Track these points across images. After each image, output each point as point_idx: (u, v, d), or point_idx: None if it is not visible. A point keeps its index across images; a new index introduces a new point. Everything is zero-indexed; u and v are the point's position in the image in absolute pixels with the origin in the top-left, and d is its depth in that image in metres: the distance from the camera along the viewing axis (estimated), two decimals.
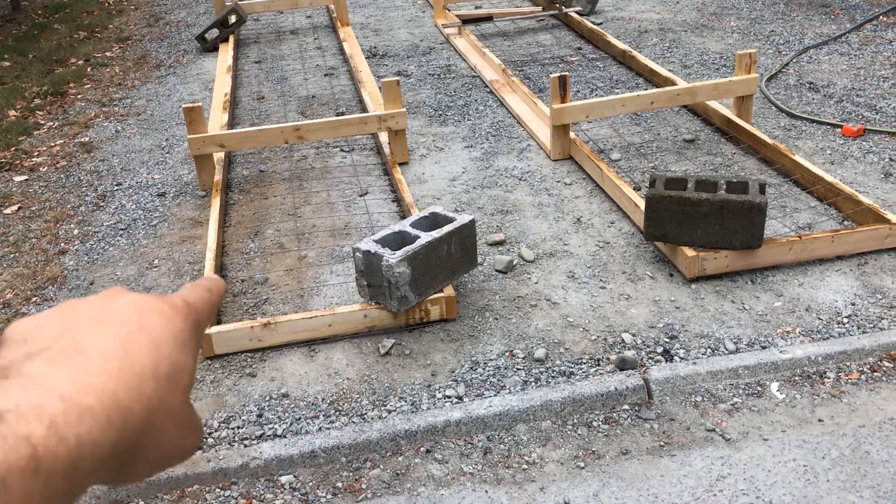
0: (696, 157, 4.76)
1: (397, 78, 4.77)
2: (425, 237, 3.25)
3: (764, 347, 3.14)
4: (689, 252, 3.54)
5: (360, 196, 4.56)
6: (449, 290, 3.38)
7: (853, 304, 3.37)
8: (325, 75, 6.78)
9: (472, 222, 3.41)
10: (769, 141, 4.57)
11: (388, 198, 4.54)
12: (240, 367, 3.18)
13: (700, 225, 3.51)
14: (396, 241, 3.31)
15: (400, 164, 4.92)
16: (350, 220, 4.32)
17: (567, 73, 4.65)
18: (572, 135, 4.86)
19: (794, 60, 6.23)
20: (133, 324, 0.50)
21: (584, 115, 4.75)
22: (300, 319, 3.23)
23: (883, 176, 4.40)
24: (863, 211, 3.84)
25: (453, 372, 3.12)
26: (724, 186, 3.56)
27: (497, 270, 3.74)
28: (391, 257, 3.12)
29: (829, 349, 3.07)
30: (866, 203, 3.83)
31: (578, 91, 5.93)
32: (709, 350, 3.15)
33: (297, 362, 3.20)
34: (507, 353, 3.20)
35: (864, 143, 4.80)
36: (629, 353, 3.14)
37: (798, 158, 4.34)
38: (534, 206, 4.35)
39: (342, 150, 5.23)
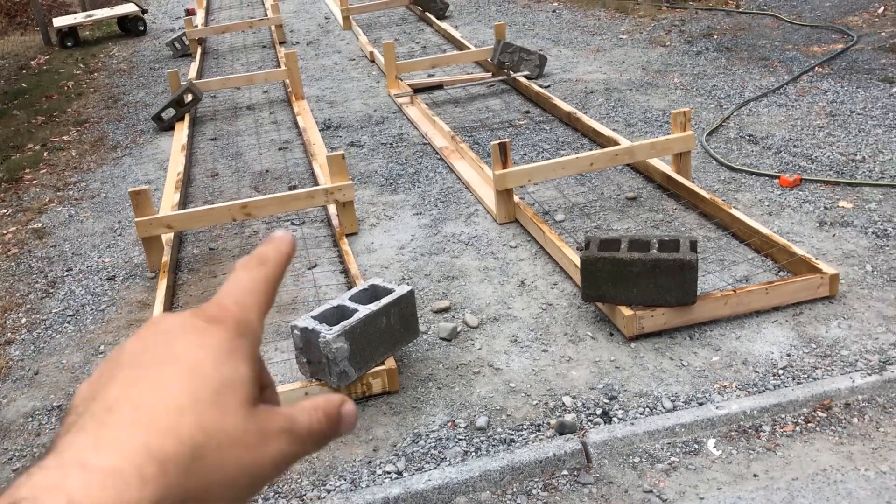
0: (639, 215, 4.86)
1: (342, 152, 4.86)
2: (363, 311, 3.28)
3: (701, 404, 3.18)
4: (627, 311, 3.60)
5: (309, 269, 4.60)
6: (390, 363, 3.40)
7: (789, 356, 3.43)
8: (280, 149, 6.88)
9: (411, 293, 3.46)
10: (707, 196, 4.68)
11: (336, 269, 4.58)
12: None
13: (635, 284, 3.57)
14: (335, 315, 3.34)
15: (349, 235, 4.97)
16: (297, 294, 4.34)
17: (507, 140, 4.76)
18: (516, 198, 4.95)
19: (734, 114, 6.41)
20: (164, 356, 0.46)
21: (526, 180, 4.85)
22: None
23: (818, 225, 4.51)
24: (797, 261, 3.93)
25: (395, 446, 3.12)
26: (657, 245, 3.63)
27: (441, 338, 3.78)
28: (328, 333, 3.14)
29: (764, 402, 3.12)
30: (800, 254, 3.92)
31: (525, 154, 6.06)
32: (647, 409, 3.18)
33: None
34: (449, 424, 3.21)
35: (800, 192, 4.93)
36: (569, 417, 3.16)
37: (734, 212, 4.44)
38: (479, 271, 4.41)
39: (293, 224, 5.28)
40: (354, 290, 3.47)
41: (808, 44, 8.11)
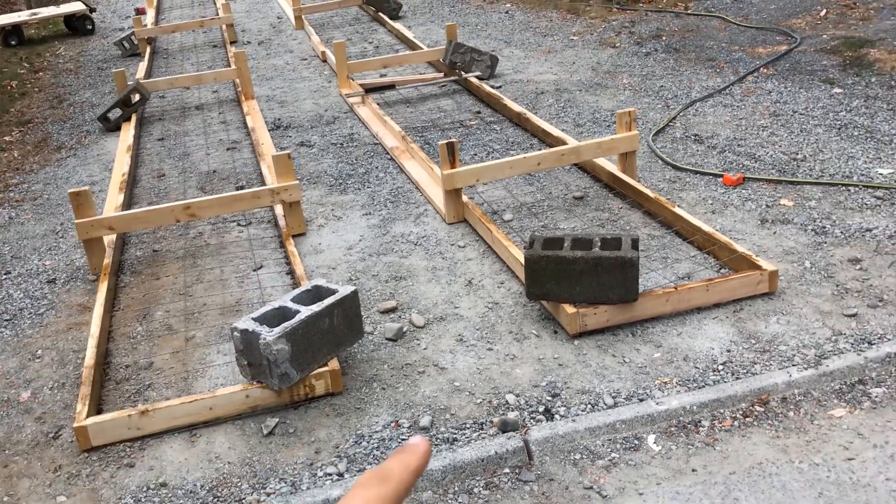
0: (585, 214, 4.90)
1: (288, 152, 4.82)
2: (305, 312, 3.25)
3: (642, 400, 3.21)
4: (570, 309, 3.62)
5: (254, 271, 4.55)
6: (334, 364, 3.37)
7: (728, 351, 3.48)
8: (228, 149, 6.80)
9: (355, 294, 3.43)
10: (651, 195, 4.73)
11: (282, 271, 4.53)
12: (118, 457, 3.10)
13: (578, 282, 3.60)
14: (277, 317, 3.30)
15: (297, 236, 4.93)
16: (242, 296, 4.29)
17: (455, 140, 4.76)
18: (465, 198, 4.95)
19: (680, 114, 6.49)
20: None
21: (474, 179, 4.85)
22: (180, 404, 3.19)
23: (760, 222, 4.58)
24: (737, 258, 3.99)
25: (337, 448, 3.10)
26: (599, 243, 3.66)
27: (387, 339, 3.76)
28: (268, 335, 3.11)
29: (703, 398, 3.16)
30: (740, 251, 3.98)
31: (476, 154, 6.07)
32: (589, 406, 3.20)
33: (178, 449, 3.14)
34: (392, 424, 3.20)
35: (743, 191, 5.01)
36: (512, 415, 3.17)
37: (678, 210, 4.50)
38: (427, 271, 4.40)
39: (239, 225, 5.22)
40: (297, 291, 3.44)
41: (753, 45, 8.25)
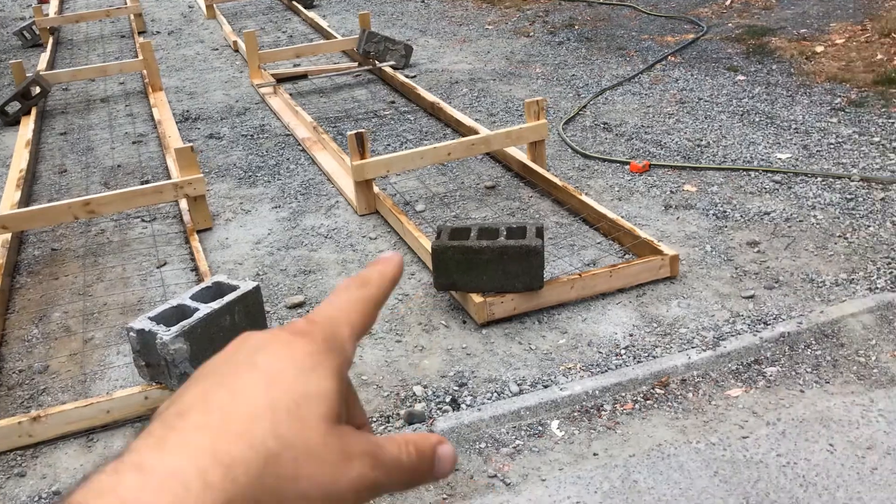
0: (496, 203, 4.92)
1: (191, 144, 4.69)
2: (204, 309, 3.18)
3: (546, 386, 3.24)
4: (477, 298, 3.63)
5: (158, 268, 4.43)
6: None
7: (631, 335, 3.54)
8: (134, 143, 6.60)
9: (257, 289, 3.37)
10: (559, 183, 4.78)
11: (187, 267, 4.43)
12: (7, 467, 2.98)
13: (484, 271, 3.61)
14: (176, 315, 3.22)
15: (203, 231, 4.82)
16: (144, 294, 4.18)
17: (364, 131, 4.71)
18: (376, 189, 4.92)
19: (591, 102, 6.58)
20: (245, 366, 0.45)
21: (385, 170, 4.82)
22: (75, 409, 3.08)
23: (664, 208, 4.68)
24: (640, 244, 4.06)
25: None
26: (505, 232, 3.68)
27: None
28: (165, 334, 3.03)
29: (605, 382, 3.21)
30: (643, 237, 4.06)
31: (389, 145, 6.03)
32: (494, 394, 3.22)
33: (74, 455, 3.04)
34: None
35: (649, 177, 5.11)
36: (419, 406, 3.16)
37: (584, 198, 4.56)
38: (337, 264, 4.36)
39: (143, 221, 5.08)
40: (197, 289, 3.36)
41: (662, 34, 8.42)
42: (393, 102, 7.09)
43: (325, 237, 4.68)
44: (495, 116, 6.46)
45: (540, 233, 3.67)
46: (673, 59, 7.57)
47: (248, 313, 3.34)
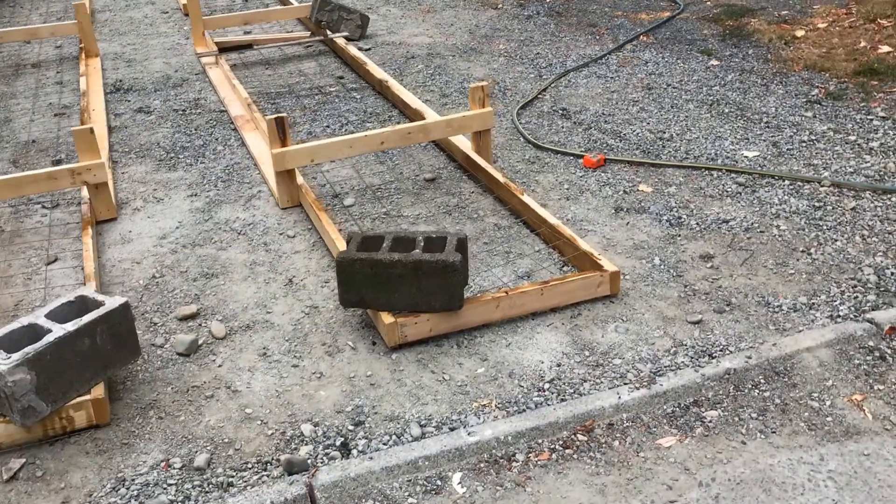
0: (434, 199, 4.46)
1: (90, 126, 4.20)
2: (57, 331, 2.73)
3: (453, 429, 2.82)
4: (388, 318, 3.20)
5: (47, 265, 3.96)
6: (98, 391, 2.87)
7: (559, 366, 3.12)
8: (56, 115, 6.08)
9: (126, 307, 2.92)
10: (501, 179, 4.33)
11: (79, 265, 3.96)
12: None
13: (396, 288, 3.17)
14: (25, 337, 2.77)
15: (106, 222, 4.35)
16: (24, 297, 3.71)
17: (284, 115, 4.23)
18: (300, 179, 4.45)
19: (552, 85, 6.10)
20: None
21: (308, 160, 4.35)
22: None
23: (614, 211, 4.24)
24: (580, 256, 3.63)
25: (90, 496, 2.61)
26: (422, 244, 3.24)
27: (178, 353, 3.26)
28: (3, 363, 2.57)
29: (522, 425, 2.79)
30: (583, 248, 3.62)
31: (329, 126, 5.54)
32: (393, 437, 2.79)
33: None
34: (162, 464, 2.72)
35: (603, 174, 4.66)
36: (303, 451, 2.73)
37: (526, 198, 4.11)
38: (245, 266, 3.90)
39: (44, 207, 4.59)
40: (56, 304, 2.90)
41: (636, 11, 7.92)
42: (341, 78, 6.59)
43: (239, 233, 4.21)
44: (448, 98, 5.98)
45: (462, 245, 3.23)
46: (645, 38, 7.09)
47: (114, 334, 2.89)
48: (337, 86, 6.41)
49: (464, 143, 4.87)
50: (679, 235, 3.97)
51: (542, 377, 3.07)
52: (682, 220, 4.10)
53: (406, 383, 3.07)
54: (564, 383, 3.03)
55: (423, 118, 5.10)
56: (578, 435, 2.81)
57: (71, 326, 2.75)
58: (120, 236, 4.24)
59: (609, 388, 2.98)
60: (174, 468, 2.71)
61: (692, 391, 2.96)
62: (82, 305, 2.93)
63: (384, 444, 2.77)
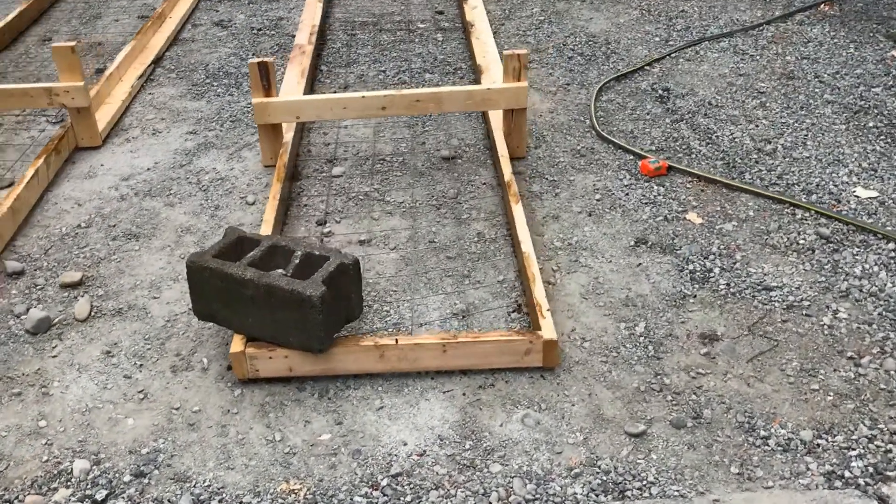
0: (434, 185, 3.73)
1: (72, 44, 3.83)
2: None
3: None
4: (237, 346, 2.60)
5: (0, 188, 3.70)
6: None
7: (421, 455, 2.39)
8: (139, 17, 5.83)
9: None
10: (506, 177, 3.51)
11: None
12: None
13: (250, 311, 2.55)
14: None
15: (87, 149, 4.04)
16: None
17: (269, 60, 3.63)
18: (287, 136, 3.87)
19: (672, 55, 5.00)
20: None
21: (293, 116, 3.74)
22: None
23: (633, 244, 3.30)
24: (532, 304, 2.80)
25: None
26: (297, 261, 2.57)
27: (26, 330, 2.87)
28: None
29: None
30: (534, 296, 2.78)
31: (385, 71, 4.88)
32: None
33: None
34: None
35: (656, 186, 3.68)
36: (58, 496, 2.25)
37: (515, 210, 3.28)
38: (175, 232, 3.44)
39: (48, 122, 4.35)
40: None
41: None
42: (440, 13, 5.82)
43: (201, 188, 3.73)
44: (541, 53, 5.07)
45: (338, 275, 2.53)
46: (826, 7, 5.66)
47: None
48: (429, 22, 5.66)
49: (498, 120, 4.03)
50: (692, 298, 2.99)
51: (389, 466, 2.36)
52: (712, 275, 3.10)
53: (229, 433, 2.48)
54: (410, 483, 2.31)
55: (483, 77, 4.32)
56: None
57: None
58: (88, 169, 3.90)
59: None
60: None
61: None
62: None
63: None
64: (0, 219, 3.28)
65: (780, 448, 2.40)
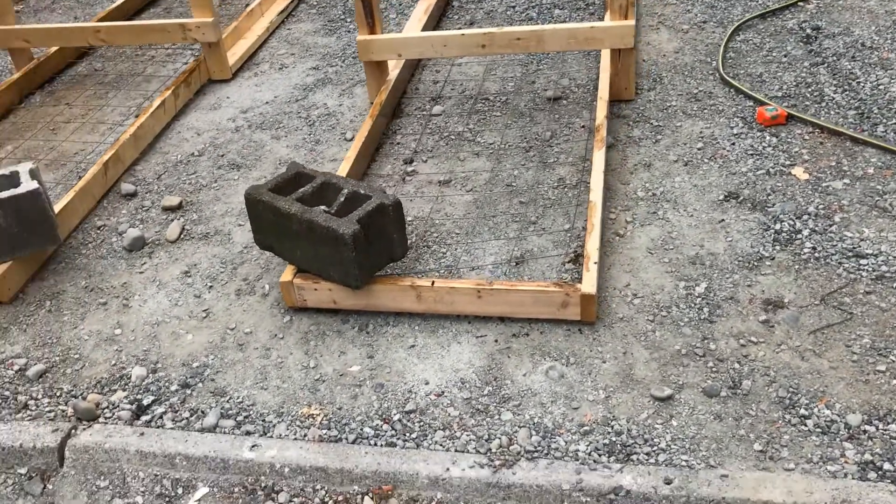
0: (531, 126, 3.67)
1: None
2: None
3: (248, 433, 2.38)
4: (286, 276, 2.74)
5: (135, 117, 4.07)
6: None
7: (439, 395, 2.44)
8: None
9: (35, 193, 2.87)
10: (598, 120, 3.37)
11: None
12: None
13: (297, 245, 2.68)
14: None
15: (218, 82, 4.33)
16: (87, 147, 3.88)
17: None
18: (393, 74, 3.94)
19: None
20: None
21: (395, 54, 3.79)
22: None
23: (722, 199, 3.09)
24: (580, 255, 2.72)
25: None
26: (342, 199, 2.66)
27: (123, 247, 3.18)
28: None
29: (308, 459, 2.26)
30: (587, 247, 2.70)
31: (514, 7, 4.77)
32: (187, 419, 2.45)
33: None
34: (9, 361, 2.73)
35: (770, 136, 3.39)
36: (86, 402, 2.51)
37: (595, 156, 3.15)
38: (275, 164, 3.62)
39: (193, 56, 4.68)
40: None
41: None
42: None
43: (308, 123, 3.90)
44: None
45: (379, 213, 2.58)
46: None
47: (22, 219, 2.88)
48: None
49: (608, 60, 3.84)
50: (769, 260, 2.76)
51: (406, 402, 2.43)
52: (800, 237, 2.84)
53: (271, 356, 2.65)
54: (420, 421, 2.36)
55: (626, 19, 4.13)
56: (367, 499, 2.19)
57: None
58: (215, 101, 4.18)
59: (453, 451, 2.25)
60: (11, 369, 2.69)
61: (547, 498, 2.12)
62: (10, 182, 2.94)
63: (176, 423, 2.44)
64: (122, 145, 3.61)
65: (817, 430, 2.20)
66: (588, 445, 2.23)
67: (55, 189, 3.56)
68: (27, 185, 2.88)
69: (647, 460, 2.17)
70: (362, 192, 2.67)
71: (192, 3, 4.10)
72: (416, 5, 4.81)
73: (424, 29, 4.29)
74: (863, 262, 2.70)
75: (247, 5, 5.21)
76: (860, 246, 2.76)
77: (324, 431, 2.36)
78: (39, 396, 2.59)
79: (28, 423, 2.47)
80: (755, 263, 2.76)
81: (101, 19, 4.73)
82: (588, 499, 2.09)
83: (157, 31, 4.18)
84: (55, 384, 2.63)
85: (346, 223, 2.51)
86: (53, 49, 4.54)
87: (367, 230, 2.54)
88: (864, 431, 2.19)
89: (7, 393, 2.61)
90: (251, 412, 2.46)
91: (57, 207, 3.16)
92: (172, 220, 3.31)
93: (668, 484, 2.08)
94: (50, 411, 2.53)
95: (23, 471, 2.39)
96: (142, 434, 2.38)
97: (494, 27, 3.94)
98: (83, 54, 4.76)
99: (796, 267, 2.72)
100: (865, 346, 2.42)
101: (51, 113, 4.22)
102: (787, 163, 3.23)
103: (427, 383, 2.48)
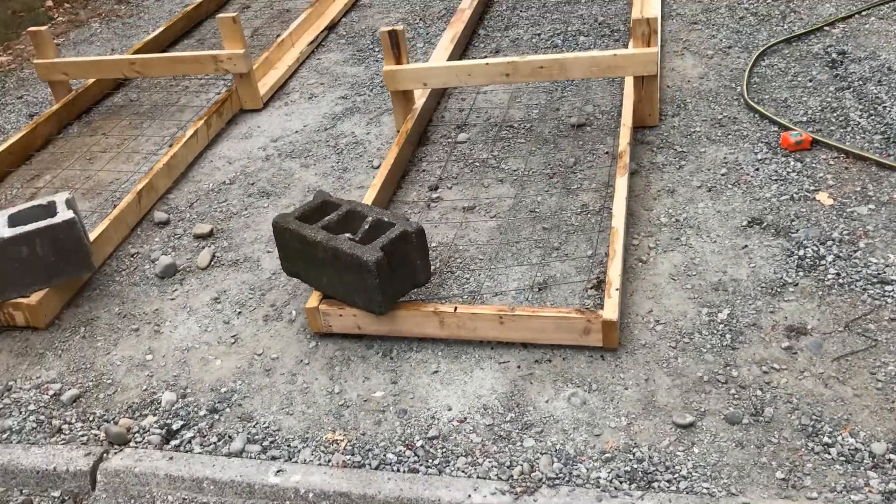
0: (555, 153, 3.70)
1: (234, 14, 4.19)
2: None
3: (273, 458, 2.42)
4: (312, 302, 2.80)
5: (170, 146, 4.18)
6: (37, 297, 3.01)
7: (461, 421, 2.46)
8: None
9: (70, 223, 2.96)
10: (621, 146, 3.40)
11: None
12: None
13: (323, 272, 2.74)
14: None
15: (249, 111, 4.43)
16: (122, 175, 3.99)
17: (399, 28, 3.77)
18: (419, 103, 4.00)
19: (860, 14, 4.51)
20: None
21: (420, 83, 3.86)
22: None
23: (746, 225, 3.09)
24: (602, 282, 2.74)
25: None
26: (367, 226, 2.71)
27: (155, 274, 3.26)
28: None
29: (332, 485, 2.30)
30: (609, 273, 2.72)
31: (540, 35, 4.84)
32: (215, 444, 2.50)
33: None
34: (44, 386, 2.80)
35: (794, 161, 3.40)
36: (118, 427, 2.57)
37: (618, 182, 3.18)
38: (303, 192, 3.69)
39: (225, 85, 4.80)
40: (28, 205, 3.06)
41: None
42: None
43: (336, 151, 3.97)
44: (711, 13, 4.78)
45: (402, 240, 2.63)
46: None
47: (59, 247, 2.97)
48: None
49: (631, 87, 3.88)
50: (793, 286, 2.76)
51: (429, 428, 2.46)
52: (822, 263, 2.83)
53: (297, 381, 2.70)
54: (443, 447, 2.39)
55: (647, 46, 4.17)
56: None
57: (7, 233, 2.88)
58: (246, 130, 4.28)
59: (475, 477, 2.28)
60: (46, 394, 2.77)
61: None
62: (48, 211, 3.03)
63: (203, 447, 2.49)
64: (156, 174, 3.70)
65: (841, 458, 2.19)
66: (609, 472, 2.24)
67: (91, 217, 3.66)
68: (63, 214, 2.97)
69: (668, 487, 2.18)
70: (386, 219, 2.72)
71: (223, 35, 4.21)
72: (442, 34, 4.89)
73: (451, 57, 4.36)
74: (888, 288, 2.69)
75: (277, 36, 5.33)
76: (885, 272, 2.75)
77: (348, 457, 2.40)
78: (73, 421, 2.66)
79: (62, 446, 2.54)
80: (778, 290, 2.76)
81: (137, 51, 4.87)
82: None
83: (190, 62, 4.30)
84: (88, 409, 2.70)
85: (370, 250, 2.56)
86: (91, 81, 4.68)
87: (391, 257, 2.59)
88: (889, 460, 2.17)
89: (42, 417, 2.69)
90: (277, 437, 2.50)
91: (92, 236, 3.26)
92: (203, 248, 3.39)
93: None
94: (83, 435, 2.60)
95: (56, 494, 2.46)
96: (171, 458, 2.44)
97: (518, 56, 3.99)
98: (119, 85, 4.90)
99: (820, 293, 2.71)
100: (890, 374, 2.40)
101: (87, 143, 4.34)
102: (812, 188, 3.23)
103: (450, 409, 2.51)
